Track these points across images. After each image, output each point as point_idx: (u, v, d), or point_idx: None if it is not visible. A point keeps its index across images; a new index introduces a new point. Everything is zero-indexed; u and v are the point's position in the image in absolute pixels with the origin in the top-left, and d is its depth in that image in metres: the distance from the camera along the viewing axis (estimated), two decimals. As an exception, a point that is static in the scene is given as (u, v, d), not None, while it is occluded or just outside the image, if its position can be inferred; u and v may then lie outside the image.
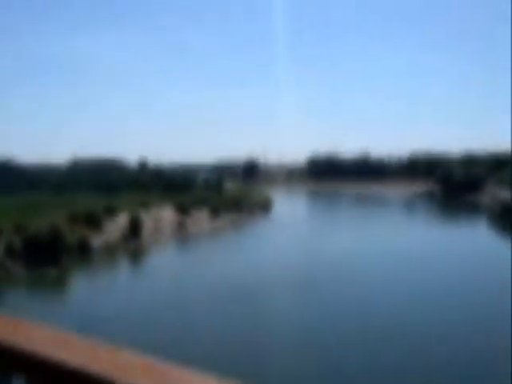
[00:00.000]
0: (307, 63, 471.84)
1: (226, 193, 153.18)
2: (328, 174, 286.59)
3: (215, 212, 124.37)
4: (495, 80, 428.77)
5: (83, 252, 77.81)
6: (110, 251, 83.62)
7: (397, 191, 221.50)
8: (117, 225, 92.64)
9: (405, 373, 36.15)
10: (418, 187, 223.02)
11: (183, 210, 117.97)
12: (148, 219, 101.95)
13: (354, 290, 58.84)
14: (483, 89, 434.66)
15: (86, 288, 62.09)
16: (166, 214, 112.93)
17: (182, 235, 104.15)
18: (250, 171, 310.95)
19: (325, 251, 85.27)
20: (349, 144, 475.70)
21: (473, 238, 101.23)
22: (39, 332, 2.60)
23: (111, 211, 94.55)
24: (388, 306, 52.43)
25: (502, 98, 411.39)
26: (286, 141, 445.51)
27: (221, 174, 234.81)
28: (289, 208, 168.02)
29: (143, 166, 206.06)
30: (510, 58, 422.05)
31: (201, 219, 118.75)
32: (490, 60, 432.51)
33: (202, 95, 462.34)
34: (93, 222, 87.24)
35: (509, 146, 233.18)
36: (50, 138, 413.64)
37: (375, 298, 55.98)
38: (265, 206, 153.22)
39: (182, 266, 77.03)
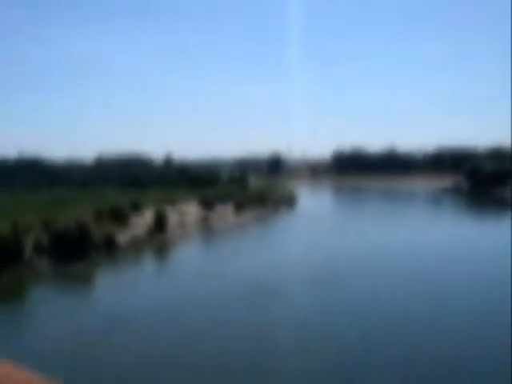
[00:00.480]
0: (329, 59, 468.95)
1: (250, 188, 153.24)
2: (353, 169, 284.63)
3: (240, 207, 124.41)
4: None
5: (110, 247, 78.42)
6: (136, 246, 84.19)
7: (423, 186, 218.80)
8: (143, 220, 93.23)
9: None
10: (445, 182, 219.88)
11: (208, 204, 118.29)
12: (173, 214, 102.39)
13: (378, 284, 58.17)
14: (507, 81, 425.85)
15: (112, 284, 62.52)
16: (191, 209, 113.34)
17: (206, 230, 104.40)
18: (275, 166, 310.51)
19: (350, 245, 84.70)
20: (374, 139, 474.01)
21: (501, 233, 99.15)
22: None
23: (137, 207, 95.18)
24: (413, 301, 51.65)
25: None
26: (310, 136, 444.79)
27: (245, 169, 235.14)
28: (313, 203, 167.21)
29: (168, 162, 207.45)
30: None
31: (225, 214, 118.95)
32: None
33: (226, 91, 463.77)
34: (119, 217, 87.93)
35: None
36: (76, 135, 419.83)
37: (398, 292, 55.25)
38: (289, 201, 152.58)
39: (207, 261, 77.22)
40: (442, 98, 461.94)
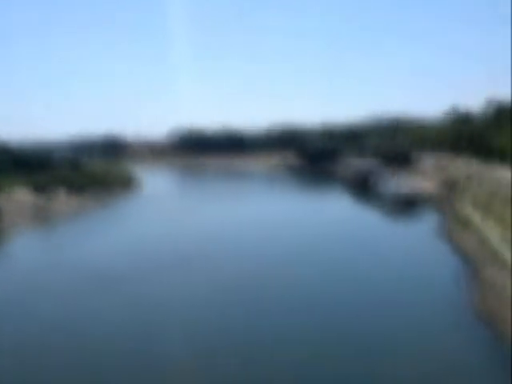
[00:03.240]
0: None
1: (86, 171, 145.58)
2: (193, 149, 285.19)
3: (77, 191, 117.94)
4: (348, 57, 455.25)
5: None
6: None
7: (259, 164, 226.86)
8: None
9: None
10: (279, 159, 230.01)
11: (41, 190, 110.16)
12: (1, 202, 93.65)
13: (225, 265, 59.22)
14: (338, 65, 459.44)
15: None
16: (22, 196, 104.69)
17: (42, 217, 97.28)
18: (111, 148, 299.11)
19: (194, 226, 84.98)
20: (211, 118, 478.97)
21: (333, 206, 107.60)
22: None
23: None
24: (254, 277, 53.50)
25: (352, 74, 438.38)
26: (148, 117, 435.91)
27: (78, 152, 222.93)
28: (156, 184, 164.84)
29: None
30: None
31: (61, 199, 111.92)
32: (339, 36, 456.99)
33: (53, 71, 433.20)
34: None
35: (361, 119, 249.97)
36: None
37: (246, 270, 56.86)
38: (130, 183, 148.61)
39: (42, 250, 71.87)
40: (274, 77, 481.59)
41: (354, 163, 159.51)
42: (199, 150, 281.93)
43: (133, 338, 37.34)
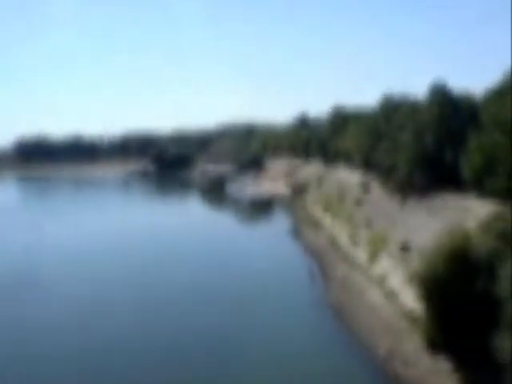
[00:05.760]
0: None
1: None
2: (38, 158, 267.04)
3: None
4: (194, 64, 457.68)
5: None
6: None
7: (112, 171, 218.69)
8: None
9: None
10: (133, 166, 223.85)
11: None
12: None
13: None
14: (185, 73, 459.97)
15: None
16: None
17: None
18: None
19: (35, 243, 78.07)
20: (58, 126, 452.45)
21: (187, 209, 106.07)
22: None
23: None
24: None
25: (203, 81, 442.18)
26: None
27: None
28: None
29: None
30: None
31: None
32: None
33: None
34: None
35: (214, 125, 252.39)
36: None
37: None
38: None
39: None
40: (129, 84, 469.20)
41: (209, 168, 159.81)
42: (47, 159, 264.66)
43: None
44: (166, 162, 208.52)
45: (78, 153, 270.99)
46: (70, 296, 48.09)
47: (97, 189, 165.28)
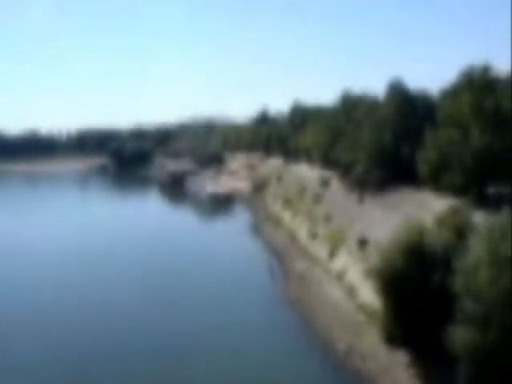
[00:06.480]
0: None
1: None
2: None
3: None
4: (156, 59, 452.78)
5: None
6: None
7: (70, 168, 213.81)
8: None
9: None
10: (91, 162, 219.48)
11: None
12: None
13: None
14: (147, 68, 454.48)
15: None
16: None
17: None
18: None
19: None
20: (12, 121, 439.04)
21: (145, 207, 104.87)
22: None
23: None
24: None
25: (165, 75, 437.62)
26: None
27: None
28: None
29: None
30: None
31: None
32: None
33: None
34: None
35: (174, 121, 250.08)
36: None
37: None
38: None
39: None
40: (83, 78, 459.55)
41: (169, 165, 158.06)
42: (1, 154, 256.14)
43: None
44: (125, 157, 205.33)
45: (35, 148, 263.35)
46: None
47: (52, 185, 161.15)
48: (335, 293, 41.89)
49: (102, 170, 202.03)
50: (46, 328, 38.03)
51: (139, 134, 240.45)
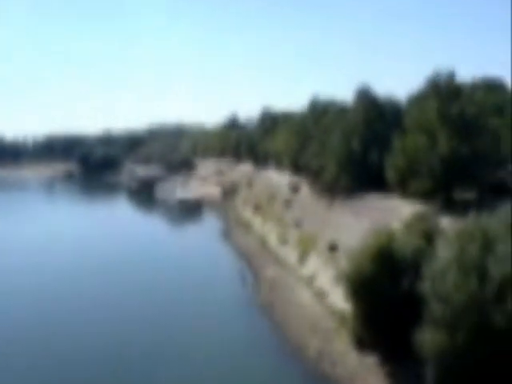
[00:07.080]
0: None
1: None
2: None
3: None
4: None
5: None
6: None
7: (36, 174, 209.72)
8: None
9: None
10: (58, 168, 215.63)
11: None
12: None
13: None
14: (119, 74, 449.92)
15: None
16: None
17: None
18: None
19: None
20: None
21: (112, 213, 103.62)
22: None
23: None
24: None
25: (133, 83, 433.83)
26: None
27: None
28: None
29: None
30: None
31: None
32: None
33: None
34: None
35: (143, 126, 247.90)
36: None
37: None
38: None
39: None
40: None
41: (138, 170, 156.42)
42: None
43: None
44: (93, 163, 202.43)
45: (1, 155, 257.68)
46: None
47: (16, 192, 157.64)
48: (306, 298, 41.95)
49: (69, 177, 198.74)
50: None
51: (108, 140, 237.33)
